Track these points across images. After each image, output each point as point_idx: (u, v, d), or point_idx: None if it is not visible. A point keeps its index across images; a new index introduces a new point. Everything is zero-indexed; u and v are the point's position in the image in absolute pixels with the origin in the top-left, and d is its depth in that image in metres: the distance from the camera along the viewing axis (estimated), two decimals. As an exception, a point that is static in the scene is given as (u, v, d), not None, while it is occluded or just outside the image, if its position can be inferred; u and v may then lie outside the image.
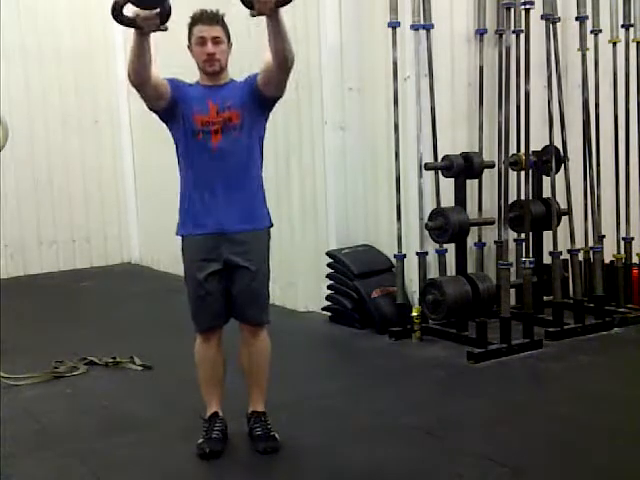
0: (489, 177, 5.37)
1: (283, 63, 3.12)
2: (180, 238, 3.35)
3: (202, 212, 3.25)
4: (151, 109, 3.27)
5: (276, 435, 3.37)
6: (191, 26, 3.25)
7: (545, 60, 5.17)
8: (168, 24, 2.94)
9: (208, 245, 3.25)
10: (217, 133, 3.22)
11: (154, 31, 2.95)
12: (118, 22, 2.89)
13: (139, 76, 3.09)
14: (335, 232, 5.75)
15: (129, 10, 2.89)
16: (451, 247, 5.04)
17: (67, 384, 4.43)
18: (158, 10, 2.87)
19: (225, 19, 3.27)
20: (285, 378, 4.06)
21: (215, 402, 3.44)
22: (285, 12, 6.54)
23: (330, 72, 5.63)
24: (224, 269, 3.27)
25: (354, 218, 5.77)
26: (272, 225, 3.39)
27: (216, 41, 3.21)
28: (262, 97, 3.26)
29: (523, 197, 5.08)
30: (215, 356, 3.40)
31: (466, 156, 4.96)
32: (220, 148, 3.22)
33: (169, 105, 3.23)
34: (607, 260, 5.42)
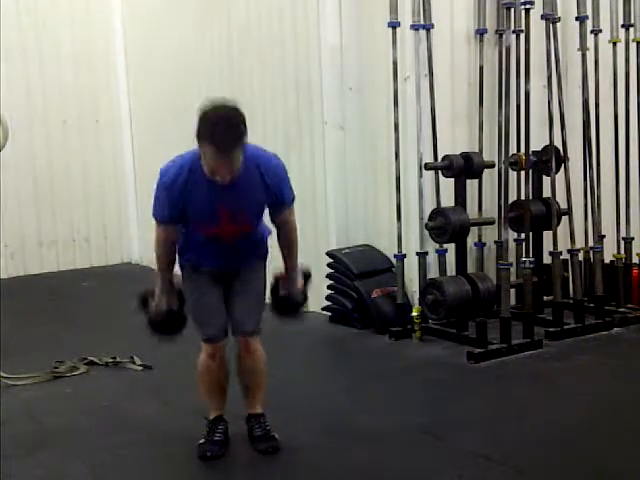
0: (489, 177, 5.37)
1: None
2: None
3: (208, 260, 3.26)
4: None
5: (276, 435, 3.37)
6: (202, 138, 2.85)
7: (545, 60, 5.17)
8: None
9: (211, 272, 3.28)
10: (230, 237, 3.17)
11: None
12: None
13: None
14: (335, 232, 5.75)
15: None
16: (451, 247, 5.03)
17: (67, 384, 4.43)
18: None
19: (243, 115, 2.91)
20: (285, 378, 4.06)
21: (219, 406, 3.43)
22: (285, 12, 6.57)
23: (330, 72, 5.63)
24: (224, 284, 3.30)
25: (354, 218, 5.77)
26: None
27: (234, 162, 2.91)
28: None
29: (523, 197, 5.08)
30: (221, 370, 3.37)
31: (466, 156, 4.95)
32: (233, 242, 3.20)
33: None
34: (607, 260, 5.42)
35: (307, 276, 3.40)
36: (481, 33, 5.32)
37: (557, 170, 5.16)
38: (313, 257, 5.86)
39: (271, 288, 3.38)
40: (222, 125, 2.83)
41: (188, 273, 3.30)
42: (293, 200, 3.22)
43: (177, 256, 3.28)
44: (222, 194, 3.01)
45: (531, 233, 5.18)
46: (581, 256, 5.36)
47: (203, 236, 3.18)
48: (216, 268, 3.27)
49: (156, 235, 3.17)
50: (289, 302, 3.36)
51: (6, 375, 4.43)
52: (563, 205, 5.22)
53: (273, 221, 3.26)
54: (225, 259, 3.25)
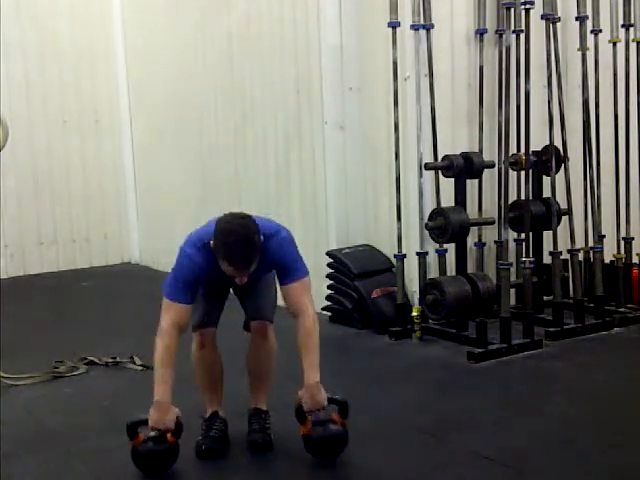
0: (489, 177, 5.37)
1: None
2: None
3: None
4: None
5: (271, 434, 3.38)
6: (220, 256, 2.97)
7: (545, 60, 5.17)
8: None
9: None
10: None
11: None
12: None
13: None
14: (335, 232, 5.75)
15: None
16: (451, 247, 5.03)
17: (67, 384, 4.43)
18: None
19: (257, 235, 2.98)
20: (285, 378, 4.04)
21: (215, 402, 3.45)
22: (286, 12, 6.57)
23: (330, 72, 5.63)
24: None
25: (354, 218, 5.76)
26: None
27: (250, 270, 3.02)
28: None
29: (523, 197, 5.08)
30: (212, 358, 3.41)
31: (466, 156, 4.95)
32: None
33: None
34: (607, 260, 5.42)
35: (344, 406, 3.19)
36: (481, 33, 5.32)
37: (557, 170, 5.16)
38: (313, 257, 5.87)
39: (296, 411, 3.19)
40: (239, 247, 2.93)
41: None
42: (306, 275, 3.20)
43: None
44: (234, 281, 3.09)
45: (531, 233, 5.18)
46: (581, 256, 5.36)
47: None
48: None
49: (164, 318, 3.10)
50: (319, 432, 3.12)
51: (6, 375, 4.43)
52: (563, 205, 5.22)
53: (284, 298, 3.25)
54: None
